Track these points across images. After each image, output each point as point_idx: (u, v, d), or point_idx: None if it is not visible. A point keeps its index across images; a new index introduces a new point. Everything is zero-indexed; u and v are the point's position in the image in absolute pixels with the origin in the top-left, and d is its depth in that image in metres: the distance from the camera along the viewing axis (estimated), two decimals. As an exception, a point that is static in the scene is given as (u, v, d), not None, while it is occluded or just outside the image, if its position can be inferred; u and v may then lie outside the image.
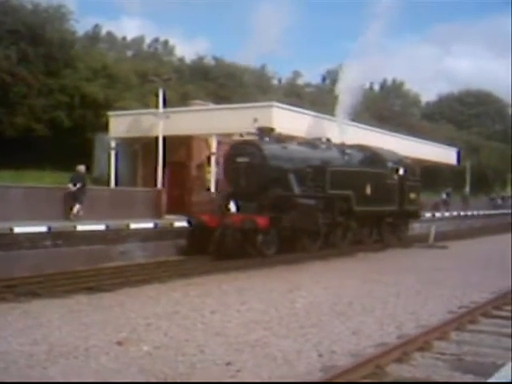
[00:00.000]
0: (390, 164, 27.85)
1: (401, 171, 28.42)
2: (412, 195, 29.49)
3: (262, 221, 20.38)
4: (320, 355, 9.09)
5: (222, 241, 20.51)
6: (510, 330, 10.70)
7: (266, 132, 22.91)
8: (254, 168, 21.63)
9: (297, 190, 22.07)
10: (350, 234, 25.09)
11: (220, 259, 20.00)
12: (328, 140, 26.53)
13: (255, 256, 20.48)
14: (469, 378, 7.84)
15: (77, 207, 21.65)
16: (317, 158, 23.85)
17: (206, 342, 9.78)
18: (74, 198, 21.98)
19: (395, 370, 8.25)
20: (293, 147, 24.06)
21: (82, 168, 23.05)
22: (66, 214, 21.53)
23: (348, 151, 26.59)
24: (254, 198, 21.54)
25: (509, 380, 5.64)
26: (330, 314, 12.19)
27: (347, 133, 28.76)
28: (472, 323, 11.34)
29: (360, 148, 27.80)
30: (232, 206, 21.44)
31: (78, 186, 22.03)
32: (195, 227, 21.85)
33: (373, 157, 27.53)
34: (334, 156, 25.39)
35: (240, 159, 21.94)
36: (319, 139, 26.21)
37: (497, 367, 7.09)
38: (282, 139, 24.23)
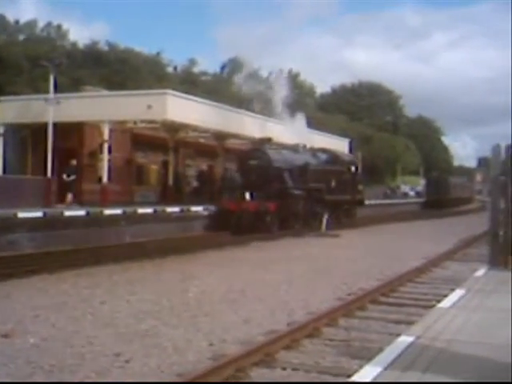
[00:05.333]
0: (345, 163, 36.21)
1: (353, 168, 36.86)
2: (360, 187, 38.37)
3: (272, 206, 27.85)
4: (210, 344, 9.09)
5: (240, 221, 27.32)
6: (396, 316, 11.04)
7: (265, 141, 30.95)
8: (261, 168, 29.12)
9: (290, 183, 29.56)
10: (319, 217, 31.68)
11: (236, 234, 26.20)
12: (304, 146, 33.94)
13: (262, 232, 26.70)
14: (355, 362, 7.99)
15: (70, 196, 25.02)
16: (299, 159, 31.67)
17: (95, 333, 9.61)
18: (67, 188, 25.20)
19: (284, 357, 8.34)
20: (284, 151, 31.91)
21: (74, 162, 27.11)
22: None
23: (318, 154, 34.65)
24: (261, 189, 28.52)
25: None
26: (222, 303, 12.21)
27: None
28: (360, 310, 11.62)
29: (323, 151, 35.89)
30: (247, 195, 28.21)
31: (72, 177, 25.87)
32: (218, 211, 28.63)
33: (333, 158, 35.79)
34: (309, 158, 33.17)
35: (251, 161, 29.48)
36: (297, 145, 33.54)
37: (382, 352, 7.26)
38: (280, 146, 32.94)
